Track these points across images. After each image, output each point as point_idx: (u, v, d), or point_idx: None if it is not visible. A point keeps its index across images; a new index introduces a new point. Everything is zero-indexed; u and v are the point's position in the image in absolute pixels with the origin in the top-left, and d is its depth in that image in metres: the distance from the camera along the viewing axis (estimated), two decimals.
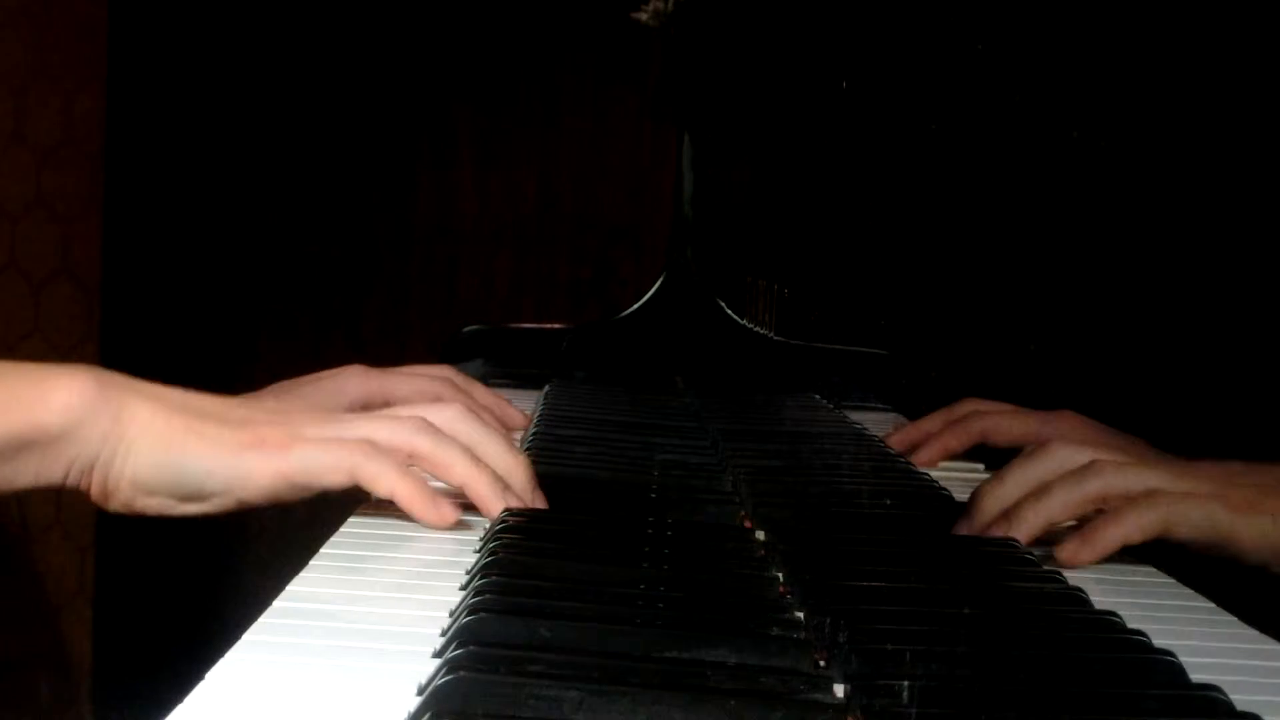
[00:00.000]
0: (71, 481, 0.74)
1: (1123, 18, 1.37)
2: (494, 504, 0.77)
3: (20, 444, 0.73)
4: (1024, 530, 0.79)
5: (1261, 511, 0.79)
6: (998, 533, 0.80)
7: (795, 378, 1.45)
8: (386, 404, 0.96)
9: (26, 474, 0.74)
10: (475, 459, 0.77)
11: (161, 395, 0.76)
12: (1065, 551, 0.78)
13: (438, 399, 0.98)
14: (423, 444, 0.76)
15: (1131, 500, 0.78)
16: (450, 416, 0.80)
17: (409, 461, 0.77)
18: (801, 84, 1.49)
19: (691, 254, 1.46)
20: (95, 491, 0.75)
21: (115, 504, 0.75)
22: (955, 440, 1.12)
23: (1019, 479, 0.82)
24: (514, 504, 0.77)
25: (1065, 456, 0.83)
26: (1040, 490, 0.80)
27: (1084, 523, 0.80)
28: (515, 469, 0.79)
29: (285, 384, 0.98)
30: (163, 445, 0.74)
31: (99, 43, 2.18)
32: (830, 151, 1.50)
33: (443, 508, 0.76)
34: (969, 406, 1.13)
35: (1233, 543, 0.78)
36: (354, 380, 0.97)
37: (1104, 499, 0.79)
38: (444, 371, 1.05)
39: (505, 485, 0.78)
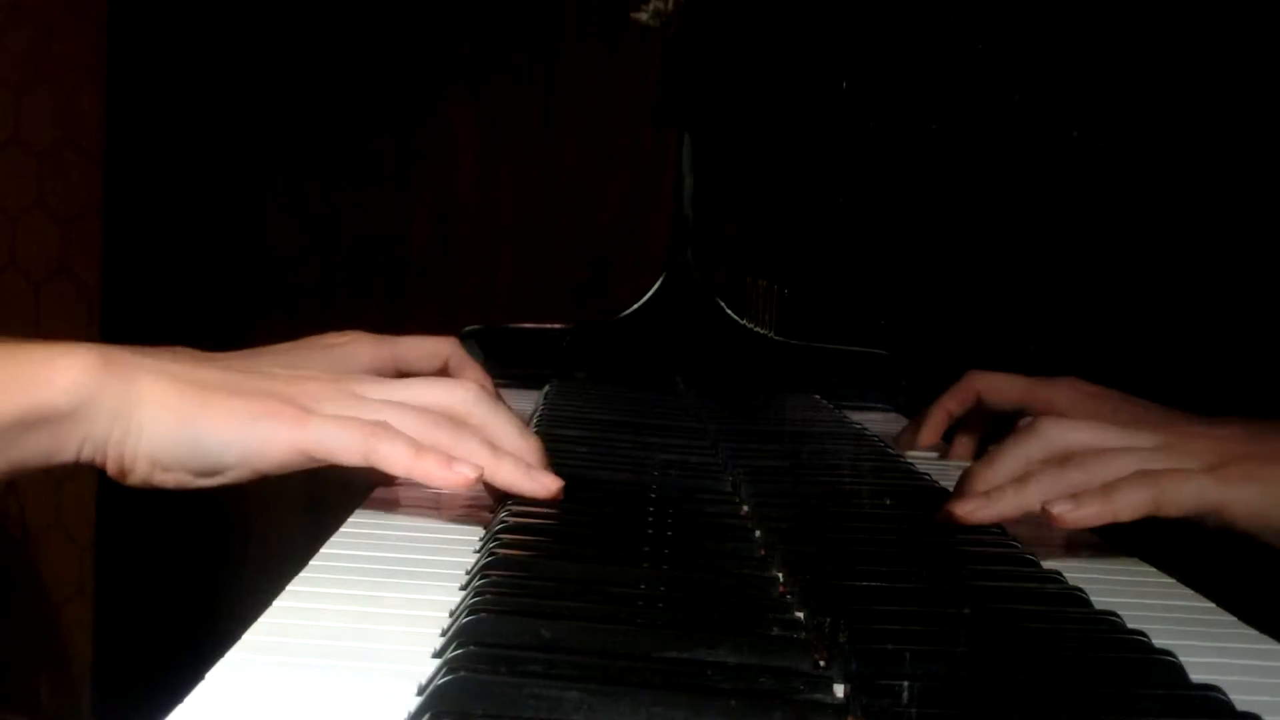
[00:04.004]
0: (85, 459, 0.74)
1: (1122, 18, 1.37)
2: (522, 483, 0.77)
3: (27, 424, 0.73)
4: (995, 512, 0.80)
5: (1253, 480, 0.79)
6: (973, 507, 0.80)
7: (795, 378, 1.45)
8: (397, 372, 0.96)
9: (37, 454, 0.74)
10: (493, 448, 0.77)
11: (169, 370, 0.75)
12: (1056, 508, 0.78)
13: (446, 361, 0.99)
14: (443, 438, 0.76)
15: (1129, 476, 0.78)
16: (464, 398, 0.79)
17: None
18: (801, 84, 1.49)
19: (691, 254, 1.46)
20: (112, 469, 0.75)
21: (134, 480, 0.75)
22: (953, 402, 1.13)
23: (1008, 460, 0.82)
24: (533, 486, 0.77)
25: (1055, 436, 0.83)
26: (1024, 477, 0.80)
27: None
28: (527, 453, 0.79)
29: (292, 345, 0.96)
30: (177, 421, 0.74)
31: (99, 43, 2.18)
32: (830, 151, 1.50)
33: (459, 467, 0.75)
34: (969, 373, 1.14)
35: (1222, 513, 0.78)
36: (364, 348, 0.97)
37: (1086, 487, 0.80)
38: (449, 346, 1.04)
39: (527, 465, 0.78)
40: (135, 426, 0.74)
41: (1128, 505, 0.77)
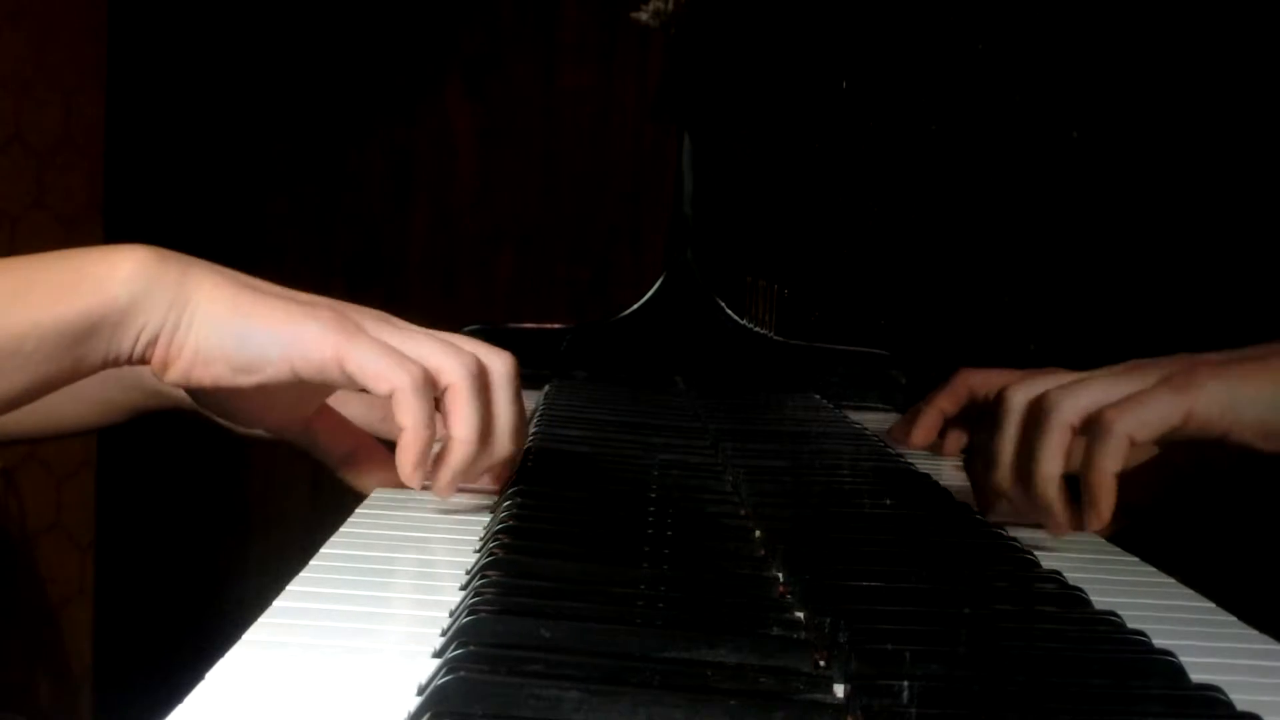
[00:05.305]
0: (139, 352, 0.75)
1: (1122, 18, 1.37)
2: (443, 483, 0.79)
3: (91, 321, 0.74)
4: (1057, 514, 0.80)
5: (1215, 379, 0.78)
6: (1049, 526, 0.81)
7: (795, 378, 1.45)
8: None
9: (99, 351, 0.75)
10: (481, 433, 0.79)
11: (222, 270, 0.77)
12: (1091, 524, 0.79)
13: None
14: (464, 385, 0.78)
15: (1088, 440, 0.78)
16: (500, 370, 0.81)
17: (436, 389, 0.78)
18: (802, 84, 1.49)
19: (691, 254, 1.46)
20: (157, 361, 0.76)
21: (173, 373, 0.76)
22: (946, 401, 1.13)
23: (1003, 446, 0.83)
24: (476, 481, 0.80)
25: (1020, 402, 0.83)
26: (1026, 463, 0.81)
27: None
28: (498, 452, 0.81)
29: None
30: (228, 311, 0.75)
31: (99, 43, 2.18)
32: (830, 151, 1.50)
33: (419, 476, 0.77)
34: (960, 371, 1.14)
35: (1191, 420, 0.77)
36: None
37: (1074, 426, 0.79)
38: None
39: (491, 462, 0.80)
40: (188, 316, 0.75)
41: (1113, 459, 0.77)
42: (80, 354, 0.74)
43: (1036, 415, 0.80)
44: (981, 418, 0.89)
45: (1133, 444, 0.77)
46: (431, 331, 0.82)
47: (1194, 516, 1.00)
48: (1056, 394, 0.80)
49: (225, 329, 0.75)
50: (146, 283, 0.74)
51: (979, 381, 1.12)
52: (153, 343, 0.75)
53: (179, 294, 0.75)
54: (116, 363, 0.76)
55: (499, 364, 0.81)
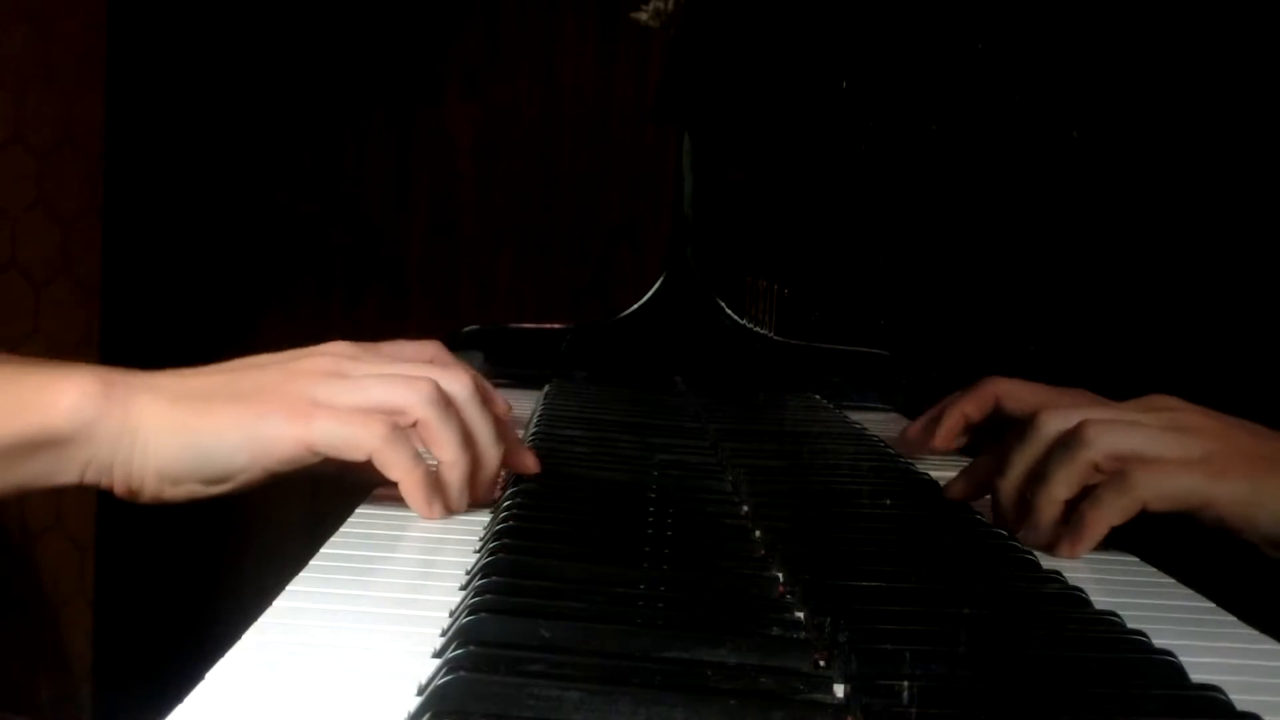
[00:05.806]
0: (89, 481, 0.75)
1: (1122, 17, 1.37)
2: (453, 503, 0.79)
3: (28, 446, 0.73)
4: (1043, 532, 0.80)
5: (1245, 478, 0.78)
6: (1027, 538, 0.81)
7: (795, 378, 1.45)
8: None
9: (38, 476, 0.74)
10: (465, 448, 0.79)
11: (166, 386, 0.76)
12: (1062, 550, 0.79)
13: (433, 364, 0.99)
14: (430, 414, 0.77)
15: (1107, 482, 0.79)
16: (460, 392, 0.80)
17: (409, 423, 0.77)
18: (802, 84, 1.49)
19: (691, 254, 1.46)
20: (120, 490, 0.76)
21: (144, 498, 0.76)
22: (972, 407, 1.12)
23: (1022, 458, 0.83)
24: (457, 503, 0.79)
25: (1055, 425, 0.83)
26: (1038, 476, 0.81)
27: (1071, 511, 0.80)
28: (490, 462, 0.81)
29: (270, 356, 0.97)
30: (180, 433, 0.74)
31: (99, 43, 2.18)
32: (830, 151, 1.50)
33: (435, 506, 0.78)
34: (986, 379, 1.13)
35: (1209, 508, 0.78)
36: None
37: (1099, 465, 0.80)
38: (433, 348, 1.04)
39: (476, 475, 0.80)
40: (140, 445, 0.74)
41: (1117, 510, 0.78)
42: (20, 477, 0.74)
43: (1067, 440, 0.80)
44: (1006, 429, 0.89)
45: (1144, 508, 0.78)
46: (382, 357, 0.81)
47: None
48: (1095, 428, 0.80)
49: (185, 450, 0.74)
50: (90, 414, 0.73)
51: (1006, 392, 1.11)
52: (105, 473, 0.75)
53: (126, 422, 0.74)
54: (64, 487, 0.75)
55: (456, 386, 0.80)
